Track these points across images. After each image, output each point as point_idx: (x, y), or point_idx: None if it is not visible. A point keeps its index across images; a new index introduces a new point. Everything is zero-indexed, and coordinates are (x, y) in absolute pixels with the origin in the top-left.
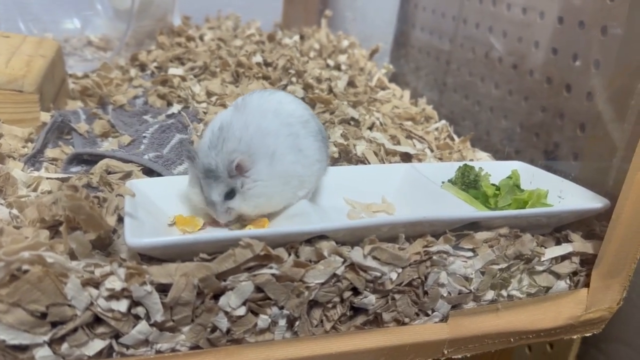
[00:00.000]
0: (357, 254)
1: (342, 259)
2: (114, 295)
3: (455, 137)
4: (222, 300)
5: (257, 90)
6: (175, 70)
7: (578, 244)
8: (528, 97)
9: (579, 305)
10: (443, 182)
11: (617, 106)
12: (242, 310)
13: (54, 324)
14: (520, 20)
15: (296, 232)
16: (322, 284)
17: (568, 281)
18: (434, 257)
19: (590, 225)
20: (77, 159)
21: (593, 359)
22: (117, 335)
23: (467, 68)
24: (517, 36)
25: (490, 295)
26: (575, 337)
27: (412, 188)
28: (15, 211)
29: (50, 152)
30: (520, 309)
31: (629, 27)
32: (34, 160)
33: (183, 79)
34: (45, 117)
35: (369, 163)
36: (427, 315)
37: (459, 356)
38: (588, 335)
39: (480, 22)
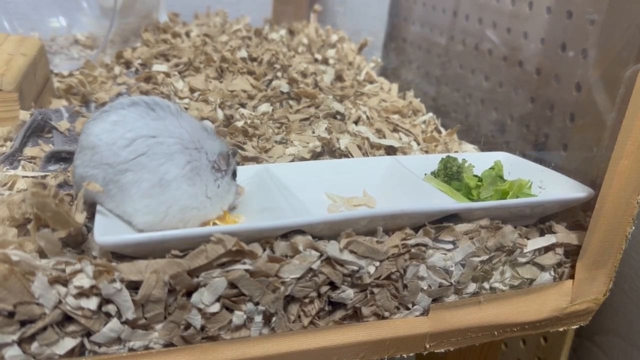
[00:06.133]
0: (332, 248)
1: (318, 254)
2: (83, 293)
3: (442, 129)
4: (195, 297)
5: (132, 97)
6: (159, 67)
7: (562, 234)
8: (518, 88)
9: (564, 297)
10: (426, 174)
11: (605, 95)
12: (216, 307)
13: (22, 323)
14: (509, 11)
15: (271, 227)
16: (298, 278)
17: (552, 273)
18: (413, 250)
19: (576, 215)
20: (56, 157)
21: (587, 352)
22: (88, 334)
23: (458, 60)
24: (507, 27)
25: (472, 287)
26: (561, 329)
27: (394, 181)
28: None
29: (29, 151)
30: (503, 301)
31: (614, 16)
32: (12, 159)
33: (167, 75)
34: (25, 115)
35: (353, 157)
36: (408, 309)
37: (442, 350)
38: (575, 327)
39: (471, 14)
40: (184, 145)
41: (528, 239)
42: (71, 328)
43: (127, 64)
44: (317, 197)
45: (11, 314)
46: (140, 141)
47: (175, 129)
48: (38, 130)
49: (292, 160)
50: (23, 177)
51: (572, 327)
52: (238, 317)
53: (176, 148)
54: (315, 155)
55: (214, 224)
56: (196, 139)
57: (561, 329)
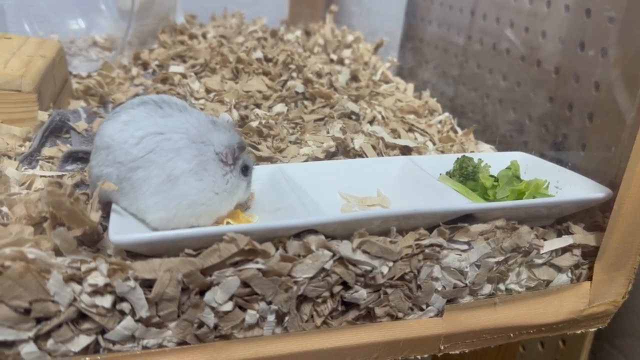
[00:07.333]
0: (345, 248)
1: (330, 253)
2: (97, 291)
3: (458, 129)
4: (208, 296)
5: (142, 97)
6: (176, 68)
7: (579, 235)
8: (536, 88)
9: (582, 299)
10: (441, 174)
11: (624, 95)
12: (228, 306)
13: (38, 320)
14: (527, 10)
15: (283, 227)
16: (311, 278)
17: (570, 274)
18: (427, 251)
19: (594, 216)
20: (73, 157)
21: (607, 355)
22: (103, 331)
23: (476, 60)
24: (524, 26)
25: (487, 289)
26: (579, 332)
27: (408, 181)
28: (5, 209)
29: (47, 151)
30: (519, 303)
31: (633, 13)
32: (30, 158)
33: (184, 76)
34: (43, 116)
35: (367, 157)
36: (422, 309)
37: (457, 352)
38: (593, 330)
39: (488, 13)
40: (190, 139)
41: (545, 239)
42: (86, 325)
43: (145, 65)
44: (331, 197)
45: (27, 311)
46: (148, 138)
47: (182, 124)
48: (56, 130)
49: (306, 160)
50: (41, 176)
51: (590, 330)
52: (251, 316)
53: (183, 143)
54: (330, 155)
55: (228, 223)
56: (203, 133)
57: (579, 332)
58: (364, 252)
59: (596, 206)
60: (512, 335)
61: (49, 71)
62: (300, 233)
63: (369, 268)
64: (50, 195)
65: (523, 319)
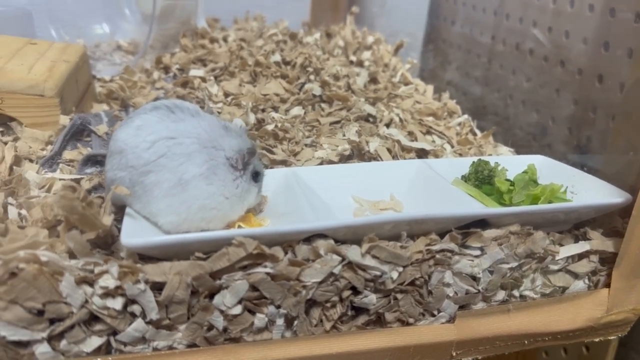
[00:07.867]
0: (354, 253)
1: (339, 258)
2: (108, 293)
3: (477, 132)
4: (217, 299)
5: (155, 102)
6: (196, 72)
7: (596, 241)
8: (560, 89)
9: (599, 307)
10: (456, 178)
11: None
12: (237, 309)
13: (52, 321)
14: (551, 9)
15: (292, 231)
16: (320, 282)
17: (587, 281)
18: (437, 256)
19: (613, 221)
20: (92, 160)
21: None
22: (114, 333)
23: (498, 61)
24: (548, 26)
25: (501, 295)
26: (597, 340)
27: (421, 185)
28: (24, 211)
29: (68, 154)
30: (534, 309)
31: None
32: (51, 162)
33: (203, 80)
34: (65, 120)
35: (382, 160)
36: (433, 315)
37: (469, 358)
38: (611, 338)
39: (511, 13)
40: (201, 144)
41: (561, 245)
42: (98, 327)
43: (166, 69)
44: (344, 201)
45: (41, 312)
46: (160, 143)
47: (194, 129)
48: (77, 134)
49: (321, 164)
50: (60, 179)
51: (609, 338)
52: (260, 319)
53: (194, 147)
54: (344, 159)
55: (239, 226)
56: (214, 137)
57: (597, 340)
58: (374, 257)
59: (616, 211)
60: (526, 342)
61: (72, 76)
62: (310, 237)
63: (378, 273)
64: (62, 199)
65: (537, 326)
